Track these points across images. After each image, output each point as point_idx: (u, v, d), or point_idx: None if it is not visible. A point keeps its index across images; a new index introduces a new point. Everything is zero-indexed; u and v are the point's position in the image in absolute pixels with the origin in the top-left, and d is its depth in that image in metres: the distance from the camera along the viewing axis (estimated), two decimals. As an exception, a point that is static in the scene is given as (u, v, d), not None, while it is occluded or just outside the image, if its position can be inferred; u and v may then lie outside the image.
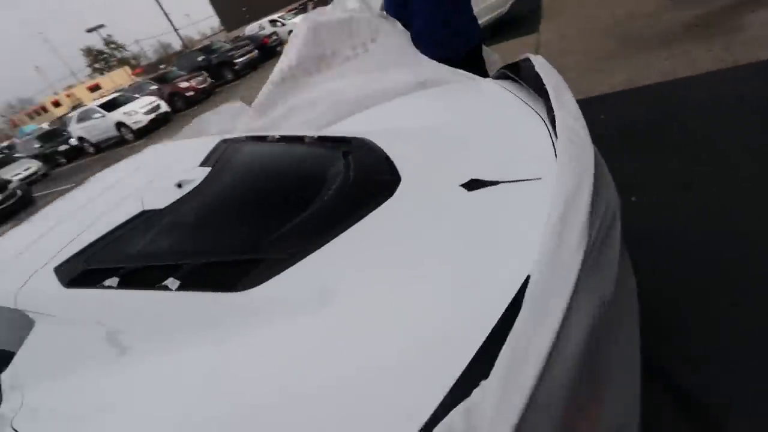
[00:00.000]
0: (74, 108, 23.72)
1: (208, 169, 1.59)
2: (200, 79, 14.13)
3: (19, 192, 10.09)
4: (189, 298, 1.12)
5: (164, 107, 13.32)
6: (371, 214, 1.14)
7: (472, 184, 1.09)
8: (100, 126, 13.46)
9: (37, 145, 15.49)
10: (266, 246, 1.17)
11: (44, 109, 42.55)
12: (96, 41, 58.90)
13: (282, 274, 1.07)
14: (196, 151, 1.83)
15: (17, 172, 13.04)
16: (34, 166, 13.73)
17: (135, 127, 12.71)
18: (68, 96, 42.28)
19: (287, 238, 1.18)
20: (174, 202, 1.46)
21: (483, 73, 2.29)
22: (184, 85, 13.99)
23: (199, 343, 1.01)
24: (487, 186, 1.06)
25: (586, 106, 3.31)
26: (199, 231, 1.36)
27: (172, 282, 1.17)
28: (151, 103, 13.15)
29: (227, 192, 1.47)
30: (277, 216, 1.27)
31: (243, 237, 1.26)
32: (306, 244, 1.12)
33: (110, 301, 1.21)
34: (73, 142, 14.62)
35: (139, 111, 12.85)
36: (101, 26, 48.03)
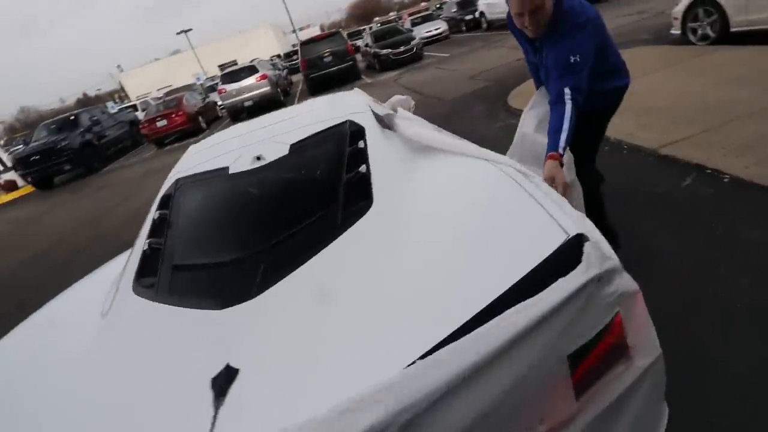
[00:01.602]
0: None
1: (286, 148, 1.63)
2: None
3: (415, 49, 13.01)
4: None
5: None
6: None
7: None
8: (499, 6, 14.56)
9: (454, 10, 18.40)
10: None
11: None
12: None
13: None
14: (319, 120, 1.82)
15: (428, 29, 16.37)
16: (442, 27, 16.72)
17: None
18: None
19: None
20: (237, 173, 1.57)
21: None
22: None
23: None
24: None
25: None
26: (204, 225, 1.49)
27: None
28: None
29: (256, 187, 1.52)
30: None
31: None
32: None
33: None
34: (477, 14, 16.53)
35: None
36: None
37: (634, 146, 3.23)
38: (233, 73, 12.77)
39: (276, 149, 1.63)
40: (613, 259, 0.79)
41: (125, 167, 11.46)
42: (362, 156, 1.51)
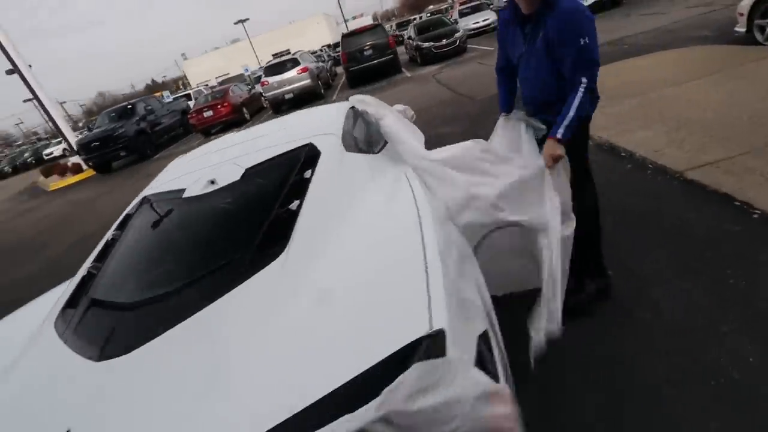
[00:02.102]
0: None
1: (240, 173, 1.60)
2: None
3: (458, 42, 12.57)
4: None
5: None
6: None
7: None
8: None
9: (504, 0, 17.56)
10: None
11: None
12: None
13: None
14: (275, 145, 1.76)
15: (476, 21, 15.75)
16: (491, 19, 16.00)
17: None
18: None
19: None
20: (188, 197, 1.54)
21: None
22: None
23: None
24: None
25: None
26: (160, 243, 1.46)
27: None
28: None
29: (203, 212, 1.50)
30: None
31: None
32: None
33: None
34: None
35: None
36: None
37: (660, 166, 2.89)
38: (276, 66, 13.00)
39: (232, 173, 1.60)
40: (448, 390, 0.65)
41: (174, 155, 12.06)
42: (302, 189, 1.43)
